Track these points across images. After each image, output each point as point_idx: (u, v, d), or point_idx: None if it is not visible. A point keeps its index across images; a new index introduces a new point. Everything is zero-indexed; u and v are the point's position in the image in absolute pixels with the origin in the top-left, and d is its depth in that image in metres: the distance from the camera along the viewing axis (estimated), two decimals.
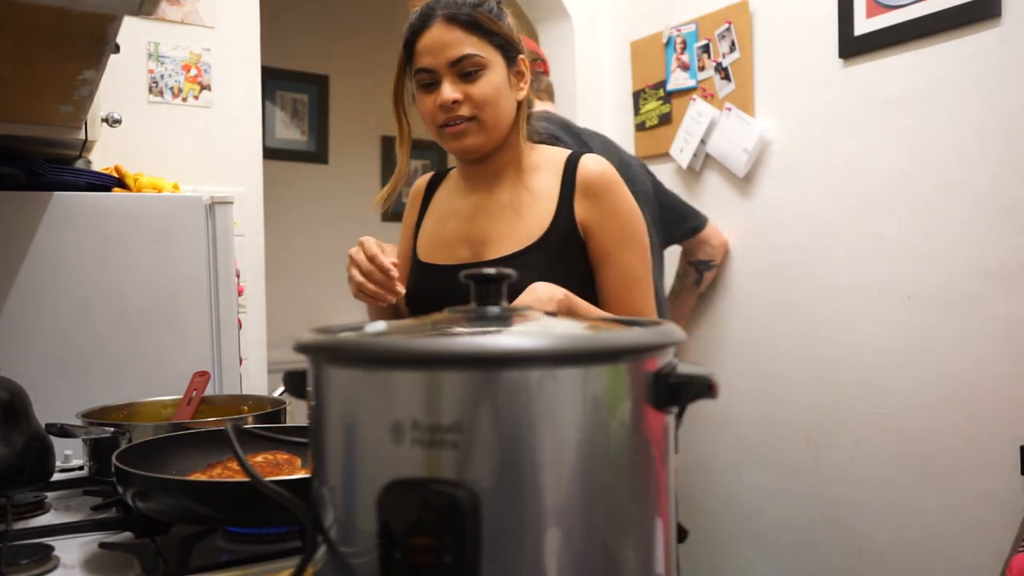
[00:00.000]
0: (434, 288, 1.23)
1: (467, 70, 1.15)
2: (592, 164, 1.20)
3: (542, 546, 0.48)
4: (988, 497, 1.68)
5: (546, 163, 1.23)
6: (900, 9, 1.83)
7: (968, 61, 1.72)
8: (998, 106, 1.67)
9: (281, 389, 1.33)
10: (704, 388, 0.53)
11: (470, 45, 1.15)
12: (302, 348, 0.55)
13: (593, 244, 1.18)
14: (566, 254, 1.17)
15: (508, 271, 0.61)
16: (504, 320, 0.58)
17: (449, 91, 1.15)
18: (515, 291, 1.05)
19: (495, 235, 1.21)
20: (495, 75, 1.16)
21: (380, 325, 0.59)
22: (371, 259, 1.13)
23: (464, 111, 1.16)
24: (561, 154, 1.23)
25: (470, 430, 0.47)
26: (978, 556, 1.68)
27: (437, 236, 1.28)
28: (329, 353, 0.53)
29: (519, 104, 1.22)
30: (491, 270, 0.60)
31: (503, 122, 1.19)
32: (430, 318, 0.62)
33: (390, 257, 1.13)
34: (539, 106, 2.10)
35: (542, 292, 1.05)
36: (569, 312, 1.05)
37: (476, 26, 1.15)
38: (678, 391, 0.51)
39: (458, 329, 0.58)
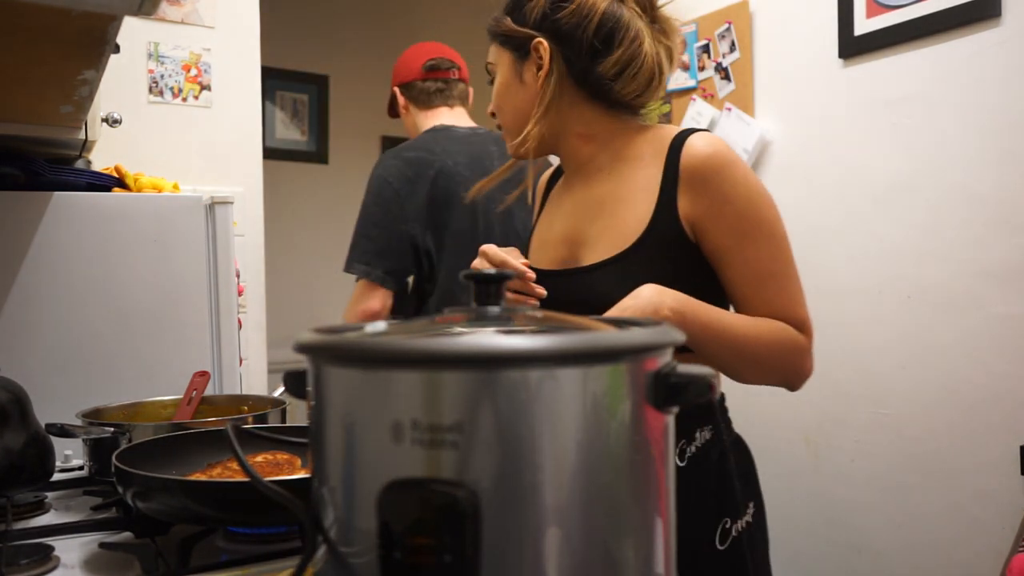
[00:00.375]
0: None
1: (490, 79, 1.16)
2: (698, 145, 1.00)
3: (542, 546, 0.48)
4: (988, 497, 1.68)
5: (651, 147, 1.05)
6: (900, 9, 1.83)
7: (968, 61, 1.72)
8: (998, 106, 1.67)
9: (281, 389, 1.33)
10: (704, 388, 0.53)
11: (491, 52, 1.13)
12: (302, 348, 0.55)
13: (707, 242, 1.00)
14: (672, 257, 1.00)
15: (507, 272, 0.62)
16: (504, 320, 0.58)
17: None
18: (608, 301, 0.94)
19: (592, 236, 1.06)
20: (500, 76, 1.11)
21: (380, 325, 0.59)
22: (501, 267, 1.00)
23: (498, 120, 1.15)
24: (669, 134, 1.04)
25: (470, 430, 0.47)
26: (978, 556, 1.68)
27: (544, 237, 1.17)
28: (329, 353, 0.53)
29: (545, 89, 1.06)
30: (491, 270, 0.61)
31: (521, 118, 1.09)
32: (430, 318, 0.62)
33: (518, 259, 1.03)
34: (444, 117, 2.08)
35: (646, 299, 0.91)
36: (683, 322, 0.90)
37: (492, 35, 1.13)
38: (678, 391, 0.51)
39: (458, 329, 0.58)
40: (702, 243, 1.00)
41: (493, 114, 1.14)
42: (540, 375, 0.47)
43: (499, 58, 1.11)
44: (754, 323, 0.97)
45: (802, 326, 1.00)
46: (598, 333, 0.52)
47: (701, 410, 1.02)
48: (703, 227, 1.00)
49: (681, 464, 0.99)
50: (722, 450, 1.02)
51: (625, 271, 0.99)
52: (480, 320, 0.59)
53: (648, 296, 0.91)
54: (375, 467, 0.49)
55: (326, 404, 0.54)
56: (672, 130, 1.05)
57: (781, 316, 0.99)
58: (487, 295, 0.61)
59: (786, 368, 1.01)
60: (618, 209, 1.04)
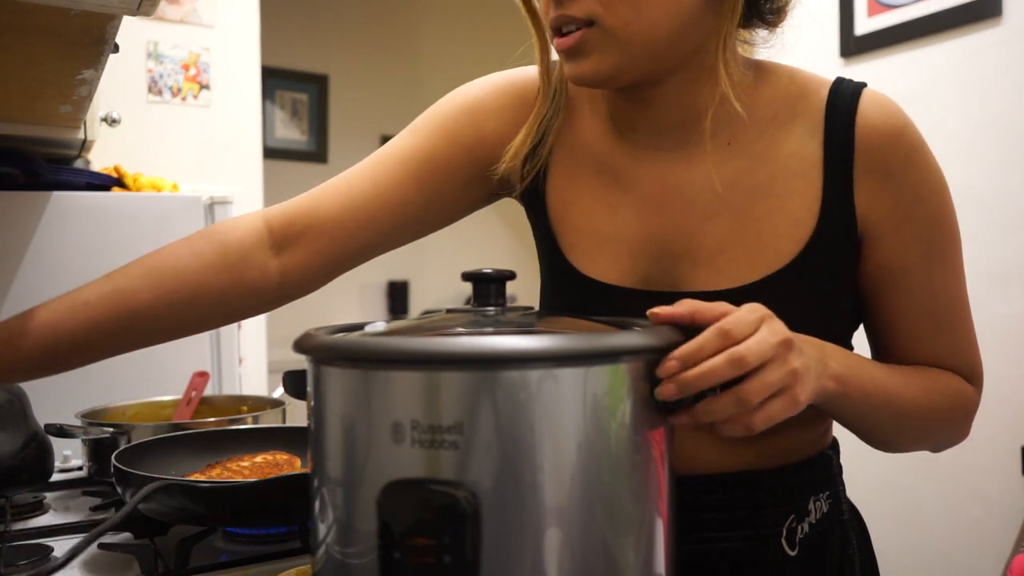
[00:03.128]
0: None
1: None
2: (879, 112, 0.66)
3: (542, 546, 0.48)
4: (989, 498, 1.68)
5: (790, 104, 0.68)
6: (901, 8, 1.82)
7: (969, 60, 1.72)
8: (998, 105, 1.67)
9: (280, 390, 1.33)
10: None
11: None
12: (302, 348, 0.55)
13: (879, 256, 0.68)
14: (834, 277, 0.68)
15: (508, 271, 0.60)
16: (504, 321, 0.58)
17: None
18: None
19: (711, 244, 0.68)
20: None
21: (380, 325, 0.59)
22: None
23: (579, 8, 0.61)
24: (814, 86, 0.69)
25: (470, 430, 0.47)
26: (979, 557, 1.68)
27: (602, 228, 0.72)
28: (329, 353, 0.53)
29: None
30: (489, 270, 0.60)
31: (660, 21, 0.61)
32: (429, 318, 0.61)
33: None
34: None
35: (813, 358, 0.58)
36: (845, 392, 0.61)
37: None
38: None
39: (458, 329, 0.58)
40: (870, 257, 0.68)
41: (567, 25, 0.63)
42: (540, 375, 0.47)
43: None
44: (921, 382, 0.69)
45: (975, 376, 0.73)
46: (598, 334, 0.52)
47: (814, 470, 0.73)
48: (880, 235, 0.67)
49: (792, 553, 0.69)
50: (843, 529, 0.74)
51: (776, 304, 0.57)
52: (480, 320, 0.58)
53: (812, 354, 0.57)
54: (375, 467, 0.49)
55: (326, 404, 0.53)
56: (813, 80, 0.70)
57: (952, 364, 0.72)
58: (487, 295, 0.60)
59: (948, 434, 0.75)
60: (758, 204, 0.67)
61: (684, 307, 0.54)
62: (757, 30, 0.72)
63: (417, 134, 0.79)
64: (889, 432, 0.70)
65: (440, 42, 4.24)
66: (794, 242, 0.66)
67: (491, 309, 0.59)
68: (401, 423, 0.48)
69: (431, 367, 0.48)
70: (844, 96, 0.67)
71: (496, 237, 4.19)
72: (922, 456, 1.81)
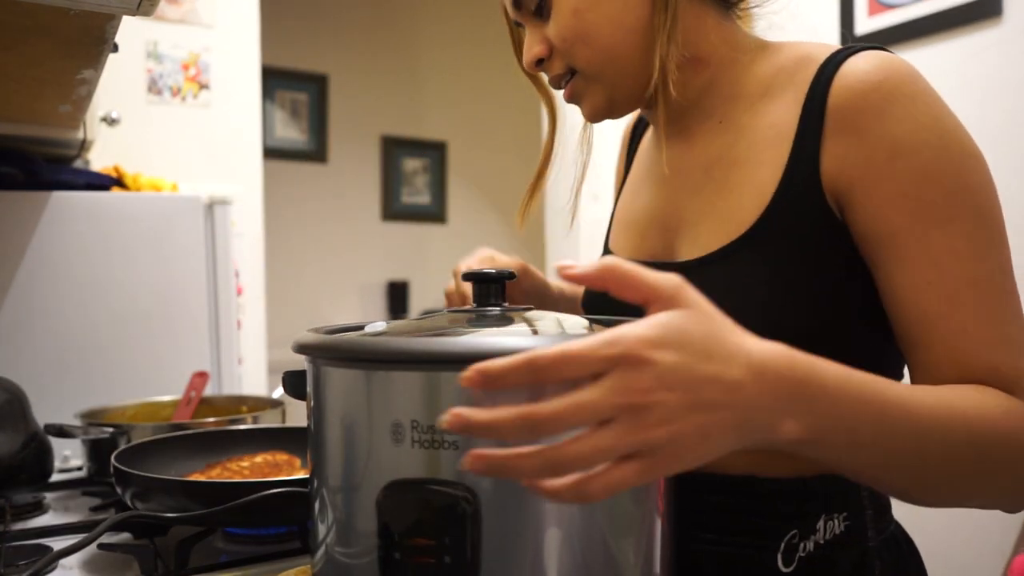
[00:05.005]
0: (620, 304, 0.70)
1: (535, 4, 0.69)
2: (859, 68, 0.62)
3: (542, 546, 0.48)
4: None
5: (785, 76, 0.67)
6: (901, 8, 1.82)
7: (969, 60, 1.72)
8: (999, 105, 1.67)
9: (280, 390, 1.33)
10: None
11: None
12: (301, 348, 0.55)
13: (861, 222, 0.61)
14: (809, 250, 0.62)
15: (510, 270, 0.60)
16: (504, 320, 0.58)
17: (528, 46, 0.71)
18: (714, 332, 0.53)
19: (691, 217, 0.70)
20: None
21: (380, 325, 0.59)
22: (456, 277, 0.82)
23: (558, 67, 0.71)
24: (817, 55, 0.66)
25: None
26: (979, 557, 1.68)
27: (628, 213, 0.80)
28: (329, 353, 0.53)
29: None
30: (491, 270, 0.60)
31: (616, 48, 0.67)
32: (429, 318, 0.61)
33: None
34: None
35: (745, 406, 0.43)
36: (818, 444, 0.47)
37: None
38: None
39: (458, 329, 0.58)
40: (853, 224, 0.62)
41: (540, 61, 0.71)
42: None
43: None
44: (948, 414, 0.52)
45: (1019, 385, 0.56)
46: (596, 333, 0.52)
47: (830, 487, 0.65)
48: (856, 197, 0.61)
49: (786, 570, 0.64)
50: (864, 556, 0.66)
51: (733, 274, 0.63)
52: (481, 320, 0.58)
53: (749, 397, 0.43)
54: (375, 468, 0.49)
55: (325, 404, 0.53)
56: (822, 49, 0.66)
57: (988, 367, 0.56)
58: (488, 295, 0.60)
59: (1007, 479, 0.55)
60: (731, 175, 0.67)
61: (597, 268, 0.43)
62: (748, 8, 0.75)
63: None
64: (909, 484, 0.54)
65: (440, 42, 4.24)
66: (757, 208, 0.64)
67: (492, 309, 0.59)
68: (401, 423, 0.48)
69: (431, 367, 0.48)
70: (833, 62, 0.64)
71: (496, 237, 4.19)
72: None
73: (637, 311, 0.45)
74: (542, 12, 0.69)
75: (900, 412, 0.49)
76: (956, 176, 0.60)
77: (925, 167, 0.59)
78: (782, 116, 0.66)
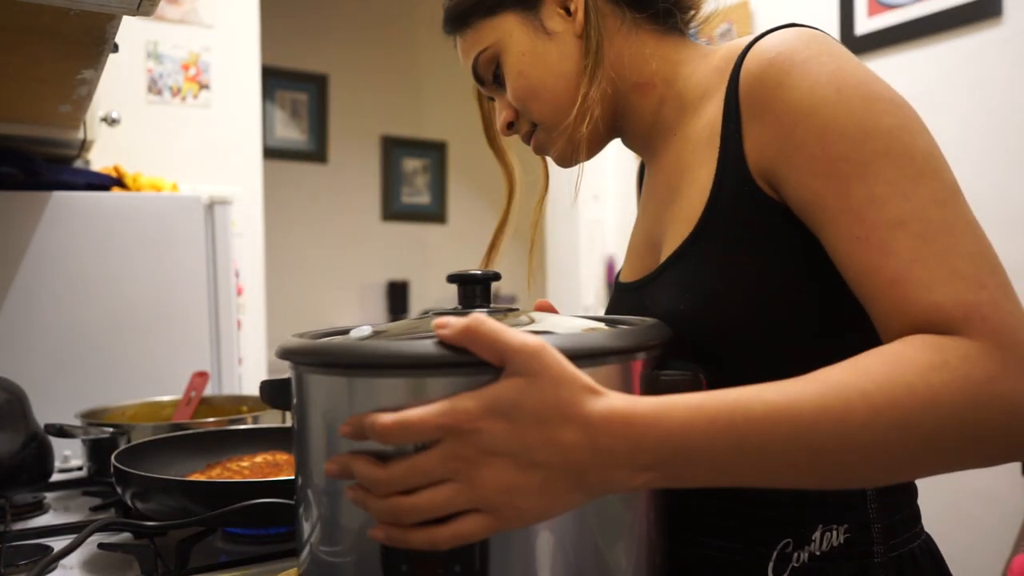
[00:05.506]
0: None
1: (492, 75, 0.76)
2: (760, 49, 0.62)
3: (534, 550, 0.48)
4: (989, 497, 1.68)
5: (716, 76, 0.68)
6: (901, 8, 1.82)
7: (969, 60, 1.72)
8: (999, 105, 1.67)
9: None
10: (696, 388, 0.53)
11: (473, 42, 0.76)
12: (285, 354, 0.54)
13: (790, 198, 0.60)
14: (753, 240, 0.62)
15: (495, 271, 0.60)
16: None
17: (498, 113, 0.79)
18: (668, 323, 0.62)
19: (662, 229, 0.72)
20: (512, 48, 0.73)
21: (366, 329, 0.59)
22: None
23: (524, 126, 0.77)
24: (736, 50, 0.66)
25: None
26: (979, 557, 1.68)
27: (631, 239, 0.83)
28: (312, 359, 0.53)
29: (588, 25, 0.71)
30: (477, 271, 0.60)
31: (561, 96, 0.72)
32: (414, 321, 0.61)
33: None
34: None
35: (601, 465, 0.46)
36: (679, 474, 0.47)
37: (462, 14, 0.77)
38: (668, 391, 0.50)
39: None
40: (787, 201, 0.60)
41: (510, 124, 0.78)
42: None
43: (493, 33, 0.74)
44: (842, 402, 0.47)
45: (968, 320, 0.49)
46: (584, 334, 0.52)
47: (828, 496, 0.62)
48: (779, 174, 0.60)
49: None
50: (865, 570, 0.63)
51: (687, 272, 0.64)
52: None
53: (583, 457, 0.45)
54: None
55: (309, 411, 0.53)
56: (744, 42, 0.66)
57: (931, 307, 0.50)
58: (473, 296, 0.60)
59: (952, 434, 0.47)
60: (682, 181, 0.69)
61: (462, 326, 0.47)
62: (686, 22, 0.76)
63: None
64: (816, 482, 0.51)
65: (440, 42, 4.23)
66: (697, 212, 0.65)
67: (477, 310, 0.59)
68: None
69: (416, 372, 0.47)
70: (744, 51, 0.64)
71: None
72: None
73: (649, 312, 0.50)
74: (500, 82, 0.76)
75: (767, 423, 0.46)
76: (860, 124, 0.56)
77: (826, 124, 0.57)
78: (713, 113, 0.66)
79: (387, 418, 0.45)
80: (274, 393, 0.61)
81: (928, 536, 0.68)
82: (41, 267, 1.44)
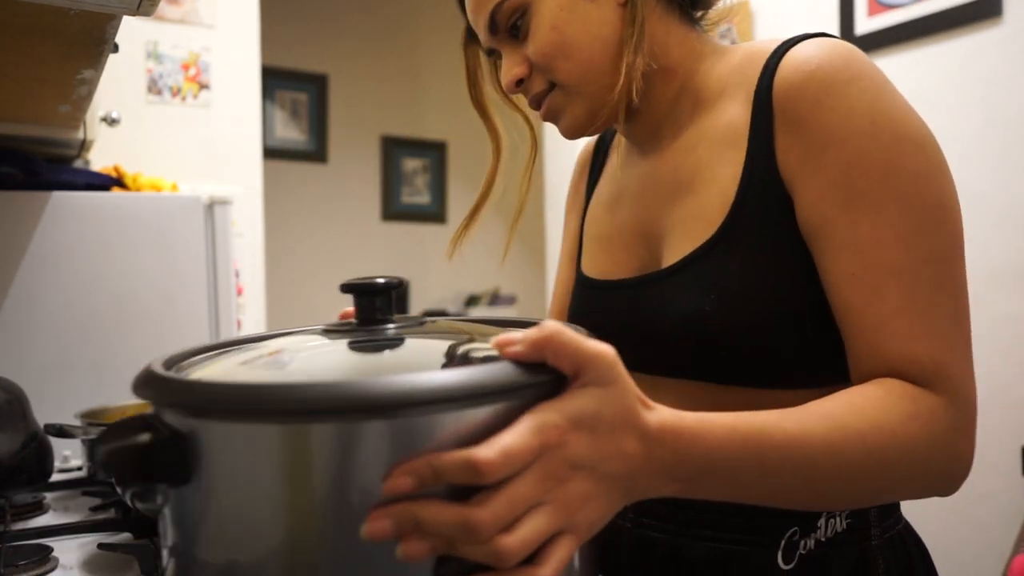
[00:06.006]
0: (601, 320, 0.75)
1: (510, 24, 0.71)
2: (799, 57, 0.63)
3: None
4: (989, 498, 1.68)
5: (738, 76, 0.68)
6: (901, 8, 1.82)
7: (969, 60, 1.72)
8: (999, 105, 1.67)
9: None
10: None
11: None
12: (140, 389, 0.45)
13: (800, 213, 0.62)
14: (779, 246, 0.63)
15: (398, 279, 0.52)
16: (392, 342, 0.49)
17: (507, 68, 0.73)
18: (684, 324, 0.65)
19: (669, 225, 0.71)
20: (546, 3, 0.69)
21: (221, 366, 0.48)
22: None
23: (538, 84, 0.72)
24: (764, 51, 0.67)
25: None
26: (979, 557, 1.68)
27: (606, 230, 0.80)
28: (165, 399, 0.42)
29: (628, 6, 0.69)
30: (380, 279, 0.50)
31: (595, 60, 0.69)
32: (286, 338, 0.52)
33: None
34: None
35: (612, 486, 0.45)
36: (699, 487, 0.49)
37: None
38: None
39: (307, 359, 0.49)
40: (797, 216, 0.62)
41: (520, 81, 0.72)
42: (444, 417, 0.40)
43: None
44: (841, 437, 0.52)
45: (939, 377, 0.56)
46: (487, 368, 0.42)
47: None
48: (796, 189, 0.62)
49: (786, 567, 0.65)
50: (864, 557, 0.66)
51: (708, 273, 0.64)
52: (364, 343, 0.50)
53: (638, 466, 0.45)
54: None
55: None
56: (770, 44, 0.67)
57: (907, 358, 0.56)
58: (371, 310, 0.50)
59: (913, 475, 0.56)
60: (697, 177, 0.69)
61: (537, 338, 0.42)
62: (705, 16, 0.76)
63: (563, 237, 0.93)
64: (806, 505, 0.57)
65: (440, 42, 4.24)
66: (720, 212, 0.65)
67: (379, 327, 0.50)
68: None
69: (293, 419, 0.39)
70: (777, 54, 0.65)
71: (496, 237, 4.18)
72: None
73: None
74: (517, 33, 0.71)
75: (785, 450, 0.50)
76: (885, 163, 0.58)
77: (854, 155, 0.59)
78: (737, 114, 0.67)
79: (488, 452, 0.39)
80: (146, 459, 0.41)
81: (905, 518, 0.73)
82: (41, 267, 1.44)
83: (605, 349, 0.44)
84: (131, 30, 2.14)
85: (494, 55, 0.76)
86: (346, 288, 0.50)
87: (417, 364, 0.50)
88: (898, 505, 0.71)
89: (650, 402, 0.46)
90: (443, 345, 0.52)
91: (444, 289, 4.42)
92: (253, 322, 2.35)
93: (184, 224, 1.56)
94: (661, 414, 0.46)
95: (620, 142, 0.83)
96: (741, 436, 0.49)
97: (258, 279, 2.40)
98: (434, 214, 4.44)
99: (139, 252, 1.51)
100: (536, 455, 0.41)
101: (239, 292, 2.10)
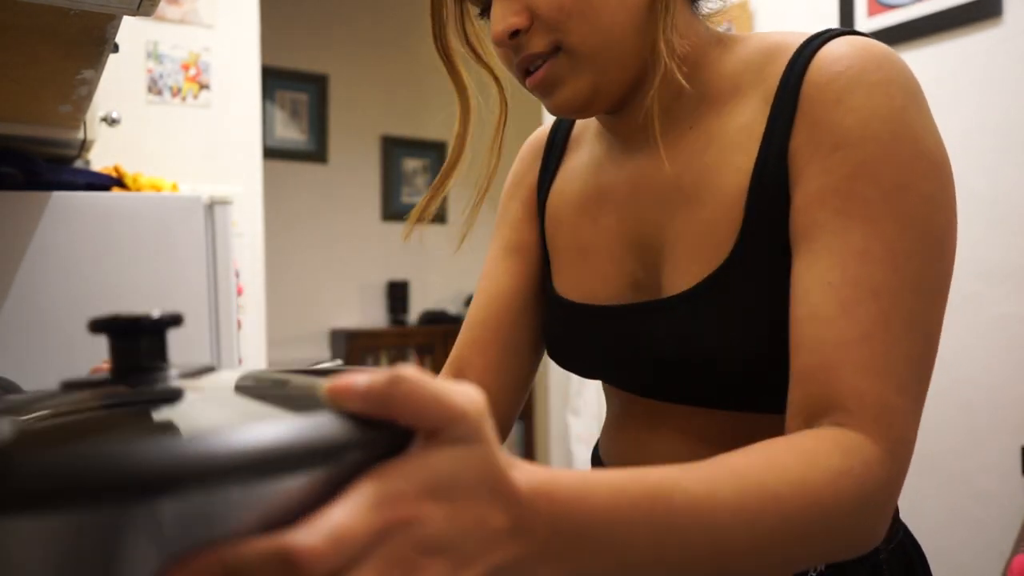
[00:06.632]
0: (596, 346, 0.68)
1: None
2: (834, 53, 0.56)
3: None
4: (989, 498, 1.68)
5: (755, 71, 0.61)
6: (901, 8, 1.82)
7: (969, 60, 1.72)
8: (999, 105, 1.67)
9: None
10: None
11: None
12: None
13: (792, 214, 0.56)
14: (785, 262, 0.57)
15: (172, 315, 0.39)
16: (165, 398, 0.36)
17: (502, 15, 0.60)
18: (706, 361, 0.59)
19: (670, 237, 0.63)
20: None
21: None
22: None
23: (538, 43, 0.60)
24: (790, 44, 0.60)
25: None
26: (978, 557, 1.68)
27: (584, 239, 0.71)
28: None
29: None
30: (154, 313, 0.38)
31: (617, 27, 0.59)
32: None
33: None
34: None
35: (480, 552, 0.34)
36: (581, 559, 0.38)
37: None
38: None
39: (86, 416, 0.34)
40: (790, 221, 0.56)
41: (515, 33, 0.60)
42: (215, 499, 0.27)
43: None
44: (756, 504, 0.44)
45: (878, 424, 0.50)
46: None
47: None
48: (794, 188, 0.56)
49: None
50: (875, 568, 0.62)
51: (730, 306, 0.58)
52: (124, 401, 0.35)
53: (507, 548, 0.35)
54: None
55: None
56: (792, 38, 0.60)
57: (855, 392, 0.50)
58: (134, 355, 0.37)
59: (835, 538, 0.49)
60: (702, 185, 0.61)
61: (384, 385, 0.32)
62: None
63: (496, 232, 0.83)
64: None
65: None
66: (732, 226, 0.58)
67: (146, 378, 0.37)
68: None
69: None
70: (806, 52, 0.57)
71: None
72: (921, 455, 1.81)
73: None
74: None
75: (690, 518, 0.41)
76: (897, 176, 0.52)
77: (865, 161, 0.53)
78: (751, 115, 0.60)
79: (309, 538, 0.27)
80: None
81: (904, 524, 0.69)
82: (41, 267, 1.44)
83: (474, 402, 0.34)
84: (131, 30, 2.14)
85: (478, 3, 0.64)
86: (97, 326, 0.37)
87: (201, 429, 0.33)
88: (897, 511, 0.68)
89: (518, 462, 0.36)
90: (240, 402, 0.37)
91: (444, 289, 4.42)
92: (253, 322, 2.35)
93: (184, 224, 1.56)
94: (533, 474, 0.36)
95: (584, 135, 0.74)
96: (630, 499, 0.39)
97: (258, 279, 2.40)
98: (434, 214, 4.43)
99: (139, 252, 1.51)
100: (378, 538, 0.30)
101: (239, 292, 2.10)
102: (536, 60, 0.61)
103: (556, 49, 0.60)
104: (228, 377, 0.40)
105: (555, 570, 0.37)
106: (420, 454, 0.32)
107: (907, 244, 0.52)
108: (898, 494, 0.51)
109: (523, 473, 0.36)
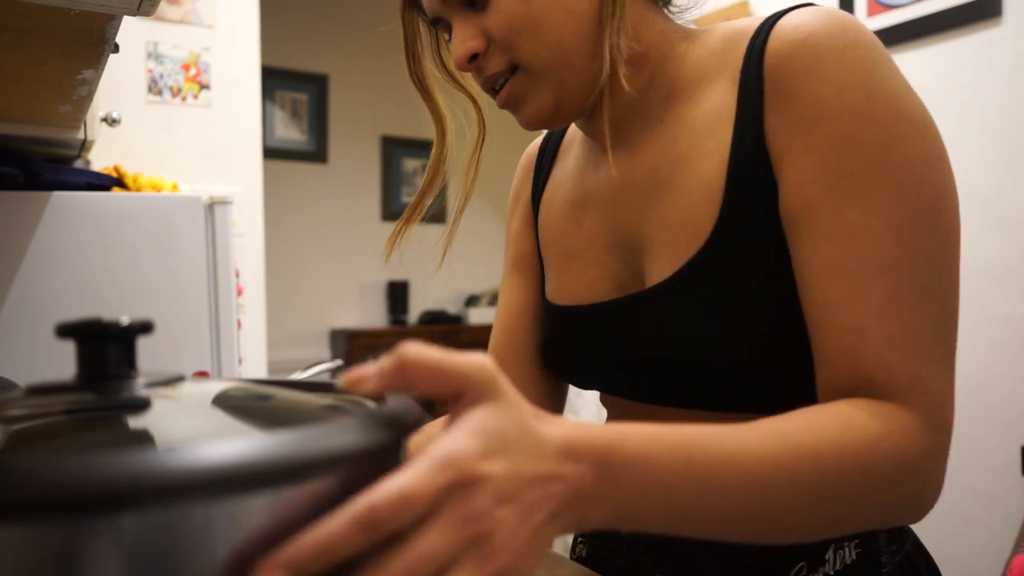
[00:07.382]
0: (581, 350, 0.68)
1: None
2: (790, 25, 0.56)
3: None
4: (988, 498, 1.68)
5: (719, 57, 0.61)
6: (901, 8, 1.83)
7: (969, 60, 1.72)
8: (999, 105, 1.67)
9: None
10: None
11: None
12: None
13: (783, 194, 0.55)
14: (780, 239, 0.56)
15: (141, 322, 0.37)
16: (134, 404, 0.35)
17: (460, 40, 0.62)
18: (687, 351, 0.58)
19: (650, 232, 0.63)
20: None
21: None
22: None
23: (496, 63, 0.62)
24: (748, 27, 0.60)
25: None
26: (978, 557, 1.68)
27: (570, 243, 0.71)
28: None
29: None
30: (124, 319, 0.36)
31: (566, 39, 0.60)
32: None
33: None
34: None
35: (531, 490, 0.36)
36: (628, 512, 0.40)
37: None
38: None
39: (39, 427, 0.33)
40: (780, 204, 0.55)
41: (474, 56, 0.62)
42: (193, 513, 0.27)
43: None
44: (794, 458, 0.45)
45: (913, 392, 0.49)
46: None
47: None
48: (782, 167, 0.55)
49: None
50: None
51: (709, 288, 0.57)
52: (92, 409, 0.35)
53: (560, 488, 0.37)
54: None
55: None
56: (751, 22, 0.60)
57: (882, 366, 0.50)
58: (100, 363, 0.36)
59: (879, 501, 0.48)
60: (676, 175, 0.61)
61: (394, 365, 0.35)
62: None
63: (505, 248, 0.84)
64: (760, 536, 0.47)
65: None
66: (709, 214, 0.57)
67: (115, 385, 0.35)
68: None
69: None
70: (764, 30, 0.57)
71: (496, 237, 4.19)
72: None
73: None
74: (475, 2, 0.61)
75: (729, 468, 0.42)
76: (882, 144, 0.51)
77: (847, 133, 0.52)
78: (719, 100, 0.59)
79: (383, 497, 0.30)
80: None
81: (914, 533, 0.68)
82: (41, 267, 1.44)
83: (481, 360, 0.36)
84: (131, 30, 2.14)
85: (440, 25, 0.65)
86: (63, 331, 0.36)
87: (160, 442, 0.32)
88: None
89: (543, 413, 0.38)
90: (211, 414, 0.35)
91: (444, 289, 4.42)
92: (253, 322, 2.35)
93: (184, 224, 1.56)
94: (562, 424, 0.38)
95: (573, 142, 0.75)
96: (667, 445, 0.40)
97: (258, 279, 2.40)
98: (434, 214, 4.43)
99: (139, 252, 1.51)
100: (445, 495, 0.32)
101: (239, 292, 2.10)
102: (498, 79, 0.63)
103: (514, 67, 0.62)
104: (210, 388, 0.39)
105: (605, 509, 0.38)
106: (463, 416, 0.35)
107: (905, 212, 0.51)
108: (944, 461, 0.51)
109: (555, 425, 0.38)
